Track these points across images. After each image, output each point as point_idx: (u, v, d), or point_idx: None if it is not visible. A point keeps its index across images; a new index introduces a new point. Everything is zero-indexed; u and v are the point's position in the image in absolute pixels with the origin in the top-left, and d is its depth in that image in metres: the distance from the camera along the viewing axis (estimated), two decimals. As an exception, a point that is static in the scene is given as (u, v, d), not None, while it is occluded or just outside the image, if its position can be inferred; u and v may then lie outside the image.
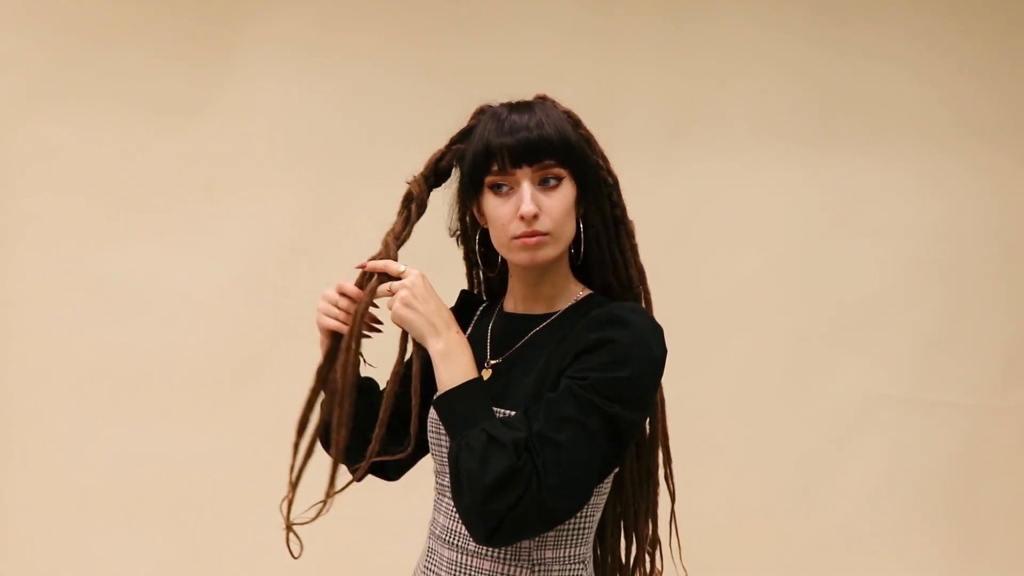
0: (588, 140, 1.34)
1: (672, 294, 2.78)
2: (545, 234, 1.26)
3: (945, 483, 2.83)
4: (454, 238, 1.44)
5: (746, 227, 2.79)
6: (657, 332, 1.24)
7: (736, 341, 2.78)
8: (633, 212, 1.39)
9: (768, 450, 2.78)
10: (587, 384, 1.17)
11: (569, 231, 1.29)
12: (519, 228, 1.26)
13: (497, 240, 1.30)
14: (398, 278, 1.28)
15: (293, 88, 2.67)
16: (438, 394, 1.23)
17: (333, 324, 1.31)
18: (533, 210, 1.24)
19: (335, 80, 2.68)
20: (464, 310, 1.47)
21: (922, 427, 2.82)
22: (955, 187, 2.83)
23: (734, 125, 2.79)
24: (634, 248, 1.38)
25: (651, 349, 1.22)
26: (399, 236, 1.34)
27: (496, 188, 1.27)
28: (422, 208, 1.36)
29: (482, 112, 1.35)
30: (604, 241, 1.36)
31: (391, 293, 1.27)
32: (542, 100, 1.35)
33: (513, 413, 1.23)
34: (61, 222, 2.59)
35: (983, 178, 2.84)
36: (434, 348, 1.23)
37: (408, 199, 1.36)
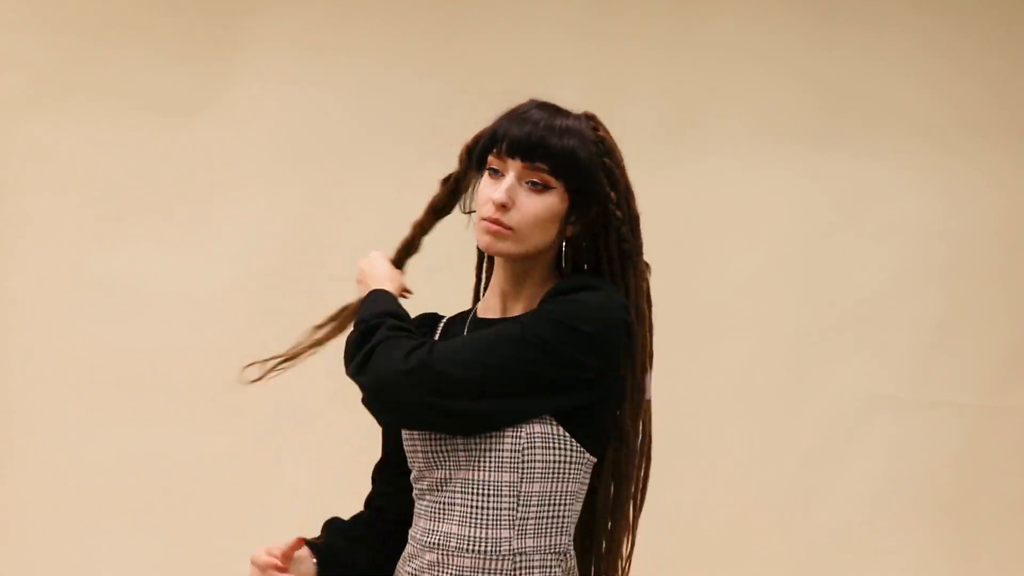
0: (609, 172, 1.33)
1: (672, 294, 2.78)
2: (508, 228, 1.28)
3: (945, 483, 2.82)
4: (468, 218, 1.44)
5: (746, 227, 2.79)
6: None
7: (736, 341, 2.78)
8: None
9: (768, 450, 2.77)
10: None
11: (539, 238, 1.30)
12: (489, 211, 1.29)
13: (475, 217, 1.34)
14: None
15: (294, 87, 2.67)
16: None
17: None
18: (502, 199, 1.27)
19: (336, 79, 2.68)
20: (427, 324, 1.45)
21: (922, 427, 2.81)
22: (956, 187, 2.83)
23: (734, 125, 2.78)
24: (639, 288, 1.37)
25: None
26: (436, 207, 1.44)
27: (492, 171, 1.31)
28: (457, 184, 1.42)
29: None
30: (607, 272, 1.35)
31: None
32: (586, 116, 1.35)
33: None
34: (60, 222, 2.59)
35: (983, 177, 2.83)
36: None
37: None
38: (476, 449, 1.27)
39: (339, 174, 2.66)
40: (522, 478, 1.27)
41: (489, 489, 1.27)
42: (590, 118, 1.36)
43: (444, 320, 1.47)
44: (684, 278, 2.73)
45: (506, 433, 1.26)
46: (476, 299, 1.50)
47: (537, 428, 1.26)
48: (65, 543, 2.58)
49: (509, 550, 1.27)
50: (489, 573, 1.27)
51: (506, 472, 1.27)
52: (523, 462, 1.27)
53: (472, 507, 1.28)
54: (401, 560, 1.37)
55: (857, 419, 2.80)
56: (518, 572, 1.27)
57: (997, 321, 2.83)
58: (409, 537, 1.37)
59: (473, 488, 1.28)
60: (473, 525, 1.27)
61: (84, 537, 2.58)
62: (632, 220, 1.36)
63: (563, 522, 1.31)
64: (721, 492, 2.77)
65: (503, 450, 1.27)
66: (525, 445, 1.26)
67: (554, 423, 1.27)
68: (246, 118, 2.66)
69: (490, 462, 1.27)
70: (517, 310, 1.36)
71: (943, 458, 2.82)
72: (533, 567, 1.28)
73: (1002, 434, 2.83)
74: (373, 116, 2.68)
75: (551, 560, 1.30)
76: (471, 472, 1.28)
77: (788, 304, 2.79)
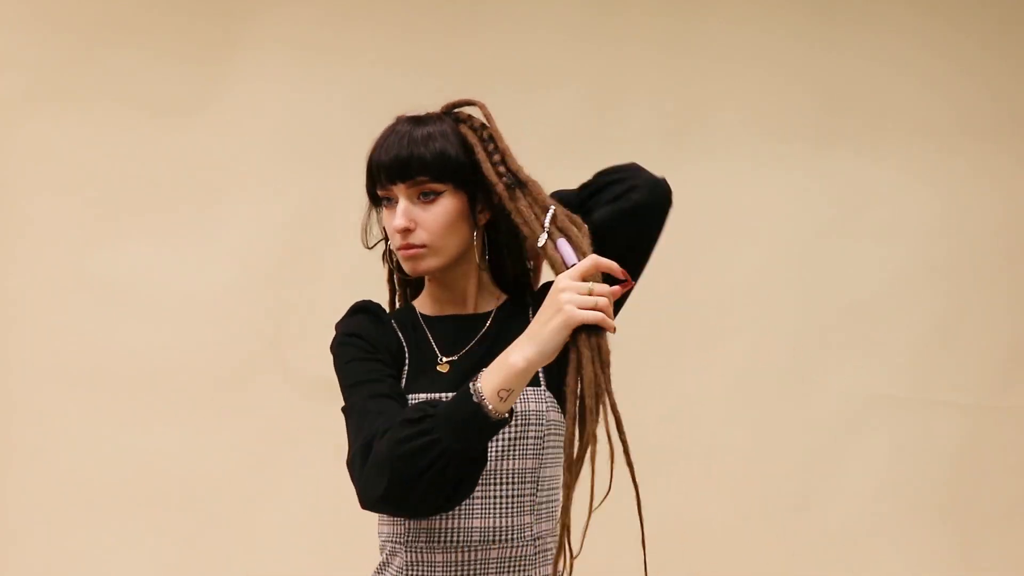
0: (486, 142, 1.32)
1: (672, 294, 2.80)
2: (422, 246, 1.30)
3: (945, 483, 2.82)
4: (383, 254, 1.45)
5: (746, 227, 2.79)
6: None
7: (736, 341, 2.78)
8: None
9: (768, 450, 2.77)
10: None
11: (455, 241, 1.32)
12: (398, 241, 1.31)
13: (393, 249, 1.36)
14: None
15: (293, 88, 2.67)
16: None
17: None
18: (402, 224, 1.29)
19: (335, 80, 2.68)
20: (377, 319, 1.39)
21: (922, 427, 2.81)
22: (956, 186, 2.83)
23: (734, 125, 2.79)
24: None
25: None
26: None
27: (386, 201, 1.33)
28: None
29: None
30: (509, 249, 1.38)
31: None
32: (436, 115, 1.36)
33: None
34: (60, 222, 2.60)
35: (983, 177, 2.84)
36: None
37: None
38: (503, 439, 1.29)
39: (339, 174, 2.64)
40: (542, 464, 1.32)
41: (513, 477, 1.30)
42: (451, 108, 1.38)
43: (388, 315, 1.41)
44: (684, 278, 2.73)
45: (531, 422, 1.29)
46: (391, 308, 1.49)
47: (552, 416, 1.31)
48: (65, 543, 2.58)
49: (531, 535, 1.30)
50: (515, 560, 1.29)
51: (530, 459, 1.31)
52: (543, 448, 1.31)
53: (495, 497, 1.29)
54: (390, 572, 1.33)
55: (857, 419, 2.80)
56: (539, 556, 1.31)
57: (997, 321, 2.84)
58: (396, 547, 1.32)
59: (497, 478, 1.29)
60: (496, 516, 1.29)
61: (84, 537, 2.58)
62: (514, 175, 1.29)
63: (558, 503, 1.34)
64: (721, 492, 2.77)
65: (528, 438, 1.30)
66: (545, 432, 1.30)
67: (559, 410, 1.31)
68: (246, 118, 2.66)
69: (516, 450, 1.29)
70: (473, 302, 1.38)
71: (943, 458, 2.82)
72: (548, 550, 1.33)
73: (1002, 434, 2.84)
74: (373, 116, 2.66)
75: (552, 542, 1.33)
76: (494, 462, 1.29)
77: (788, 304, 2.79)
